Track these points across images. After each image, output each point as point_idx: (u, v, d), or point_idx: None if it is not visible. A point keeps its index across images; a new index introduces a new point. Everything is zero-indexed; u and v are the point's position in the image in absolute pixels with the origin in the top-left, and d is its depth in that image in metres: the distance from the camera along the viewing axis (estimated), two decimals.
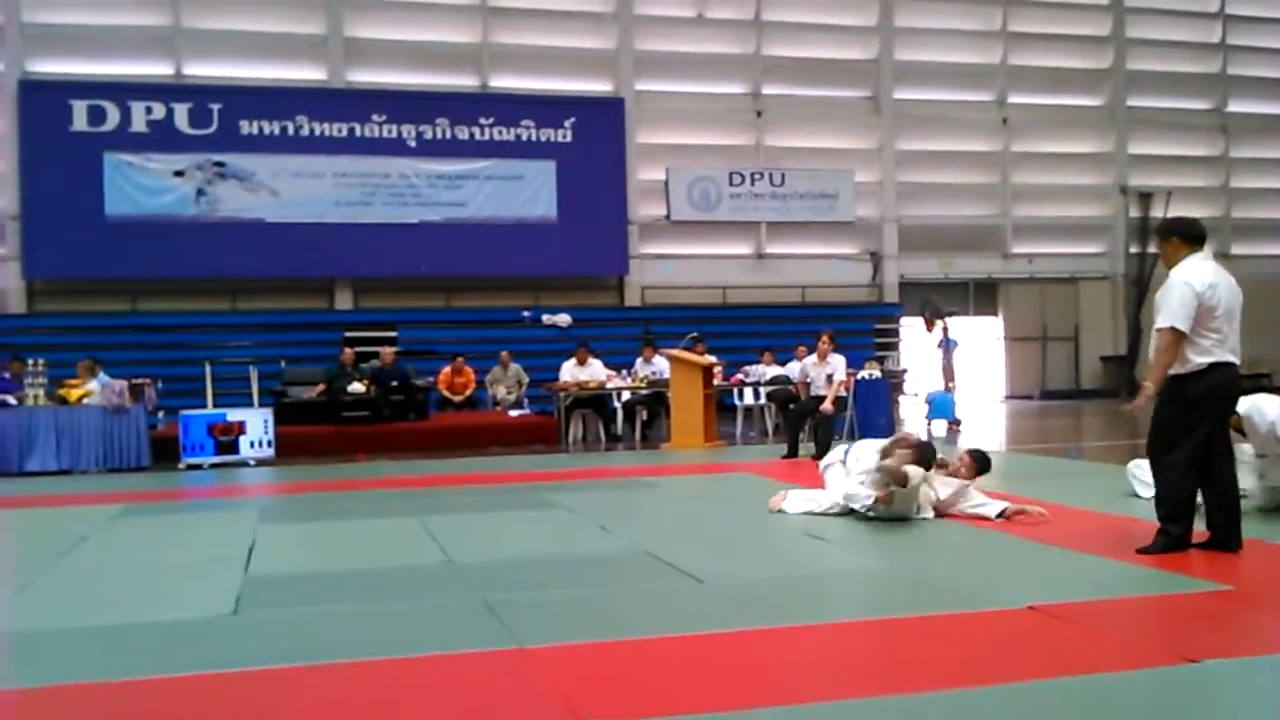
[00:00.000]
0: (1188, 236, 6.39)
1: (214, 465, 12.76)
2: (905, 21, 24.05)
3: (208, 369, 14.84)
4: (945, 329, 18.33)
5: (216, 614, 5.32)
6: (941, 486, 7.73)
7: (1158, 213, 24.69)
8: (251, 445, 13.05)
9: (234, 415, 13.16)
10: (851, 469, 7.95)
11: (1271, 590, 5.51)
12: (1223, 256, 25.74)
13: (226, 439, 12.93)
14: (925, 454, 7.82)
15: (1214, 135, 26.39)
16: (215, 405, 14.03)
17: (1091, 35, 25.42)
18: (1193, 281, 6.10)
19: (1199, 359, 6.08)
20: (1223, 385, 6.14)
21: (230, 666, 4.39)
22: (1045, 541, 6.75)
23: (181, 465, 12.71)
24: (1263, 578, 5.86)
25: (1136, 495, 8.07)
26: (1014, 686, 3.97)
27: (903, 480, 7.37)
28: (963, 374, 18.40)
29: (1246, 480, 7.36)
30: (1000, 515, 7.46)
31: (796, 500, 8.06)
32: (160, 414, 14.45)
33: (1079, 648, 4.53)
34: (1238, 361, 6.18)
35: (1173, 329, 6.07)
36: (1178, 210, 24.79)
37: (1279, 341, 22.87)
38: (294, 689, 4.15)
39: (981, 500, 7.67)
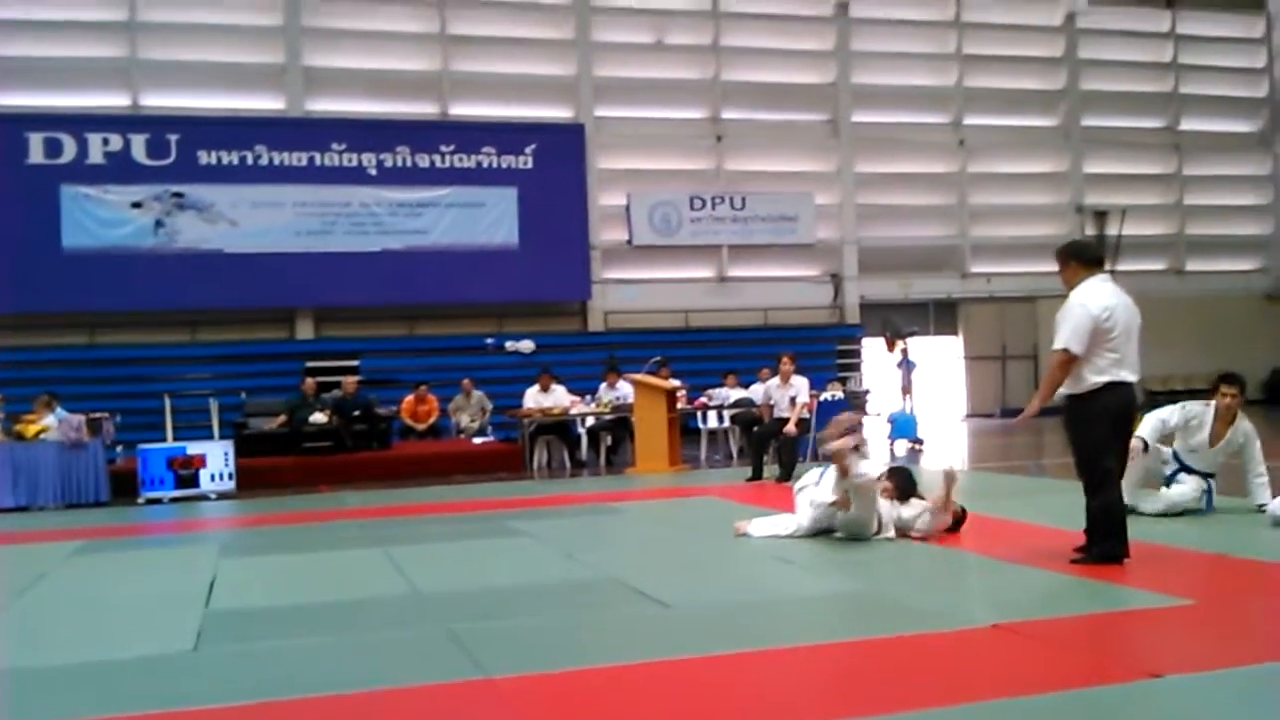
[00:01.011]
0: (1085, 260, 6.65)
1: (174, 499, 12.61)
2: (862, 46, 24.28)
3: (167, 402, 14.70)
4: (904, 349, 18.43)
5: (177, 650, 5.25)
6: (906, 509, 7.77)
7: (1113, 231, 25.03)
8: (212, 478, 12.90)
9: (194, 448, 13.01)
10: (824, 485, 7.95)
11: (1233, 604, 5.56)
12: (1177, 273, 26.18)
13: (186, 472, 12.78)
14: (902, 481, 7.89)
15: (1167, 153, 26.76)
16: (175, 438, 13.88)
17: (1045, 57, 25.74)
18: (1089, 304, 6.33)
19: (1096, 378, 6.32)
20: (1119, 403, 6.37)
21: (191, 704, 4.32)
22: (1008, 559, 6.79)
23: (141, 500, 12.55)
24: (1224, 592, 5.92)
25: None
26: (980, 705, 3.98)
27: (843, 462, 7.47)
28: (921, 394, 18.50)
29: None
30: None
31: (761, 524, 8.07)
32: (119, 448, 14.28)
33: (1044, 665, 4.56)
34: (1135, 379, 6.43)
35: (1065, 351, 6.31)
36: (1134, 228, 25.21)
37: (1234, 354, 23.15)
38: None
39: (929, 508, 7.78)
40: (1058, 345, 6.38)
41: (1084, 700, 4.03)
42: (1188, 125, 26.82)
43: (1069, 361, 6.34)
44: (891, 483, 7.87)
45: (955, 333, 25.39)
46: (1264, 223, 27.45)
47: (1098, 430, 6.37)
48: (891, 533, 7.60)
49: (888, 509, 7.69)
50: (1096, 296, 6.39)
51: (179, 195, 19.82)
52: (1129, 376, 6.39)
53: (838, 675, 4.53)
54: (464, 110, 21.92)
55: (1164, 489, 8.25)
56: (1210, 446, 8.20)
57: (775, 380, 12.85)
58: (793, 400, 12.45)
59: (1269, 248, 27.32)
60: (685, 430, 15.40)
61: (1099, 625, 5.26)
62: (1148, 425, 8.41)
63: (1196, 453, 8.28)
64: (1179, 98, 26.77)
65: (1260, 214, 27.46)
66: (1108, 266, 22.91)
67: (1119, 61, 26.23)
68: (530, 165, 21.57)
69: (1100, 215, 25.31)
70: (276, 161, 20.36)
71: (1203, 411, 8.26)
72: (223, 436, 14.00)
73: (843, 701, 4.15)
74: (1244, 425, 8.18)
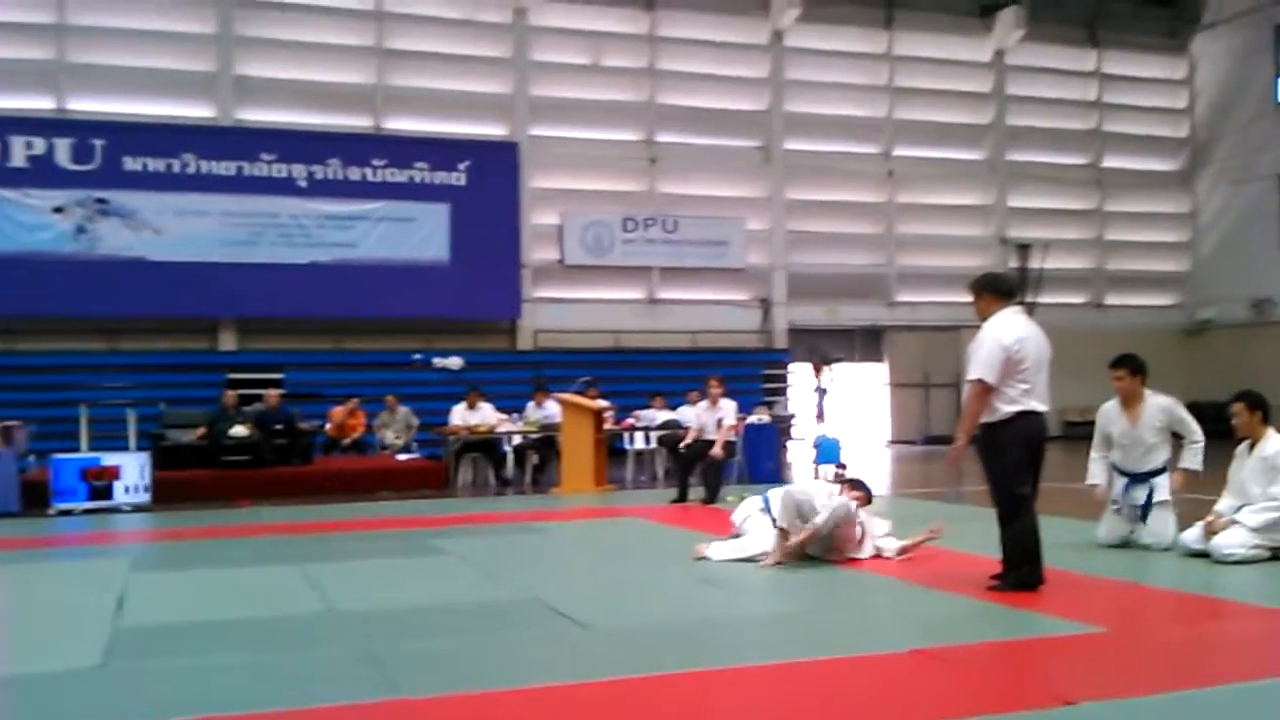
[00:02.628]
0: (999, 292, 6.85)
1: (86, 511, 12.30)
2: (795, 75, 24.55)
3: (83, 411, 14.36)
4: (822, 376, 18.69)
5: (84, 666, 5.12)
6: (877, 527, 7.97)
7: (1035, 264, 25.51)
8: (126, 490, 12.62)
9: (109, 459, 12.72)
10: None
11: (1144, 632, 5.67)
12: (1096, 307, 26.75)
13: (100, 484, 12.49)
14: (867, 488, 8.14)
15: (1089, 189, 27.37)
16: (90, 449, 13.57)
17: (973, 91, 26.22)
18: (1001, 336, 6.51)
19: (1007, 408, 6.50)
20: (1030, 431, 6.55)
21: None
22: (929, 584, 6.86)
23: (52, 511, 12.22)
24: (1135, 620, 6.03)
25: None
26: None
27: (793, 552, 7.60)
28: (835, 420, 18.70)
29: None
30: (900, 553, 7.77)
31: (721, 548, 7.96)
32: (31, 457, 13.93)
33: (960, 691, 4.61)
34: (1045, 409, 6.61)
35: (980, 381, 6.48)
36: (1055, 261, 25.71)
37: (1151, 388, 23.69)
38: None
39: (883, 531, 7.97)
40: (972, 376, 6.54)
41: None
42: (1110, 163, 27.47)
43: (985, 392, 6.49)
44: (861, 492, 8.01)
45: (880, 360, 25.68)
46: (1182, 260, 28.17)
47: (1011, 458, 6.52)
48: (870, 550, 7.78)
49: (869, 519, 7.85)
50: (1008, 328, 6.55)
51: (102, 201, 19.45)
52: (1039, 406, 6.57)
53: (755, 698, 4.53)
54: (398, 124, 21.79)
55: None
56: (1133, 428, 8.21)
57: (705, 403, 12.89)
58: (719, 423, 12.49)
59: (1186, 284, 28.03)
60: (612, 451, 15.39)
61: (1014, 651, 5.33)
62: (1090, 465, 8.53)
63: (1128, 447, 8.27)
64: (1102, 135, 27.42)
65: (1178, 251, 28.18)
66: (1029, 298, 23.27)
67: (1045, 99, 26.80)
68: (463, 182, 21.49)
69: (1023, 248, 25.79)
70: (204, 170, 20.06)
71: (1107, 405, 8.42)
72: (139, 448, 13.71)
73: None
74: (1156, 400, 8.25)
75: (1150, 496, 8.14)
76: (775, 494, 8.11)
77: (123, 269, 19.40)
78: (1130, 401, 8.28)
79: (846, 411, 21.90)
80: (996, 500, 6.64)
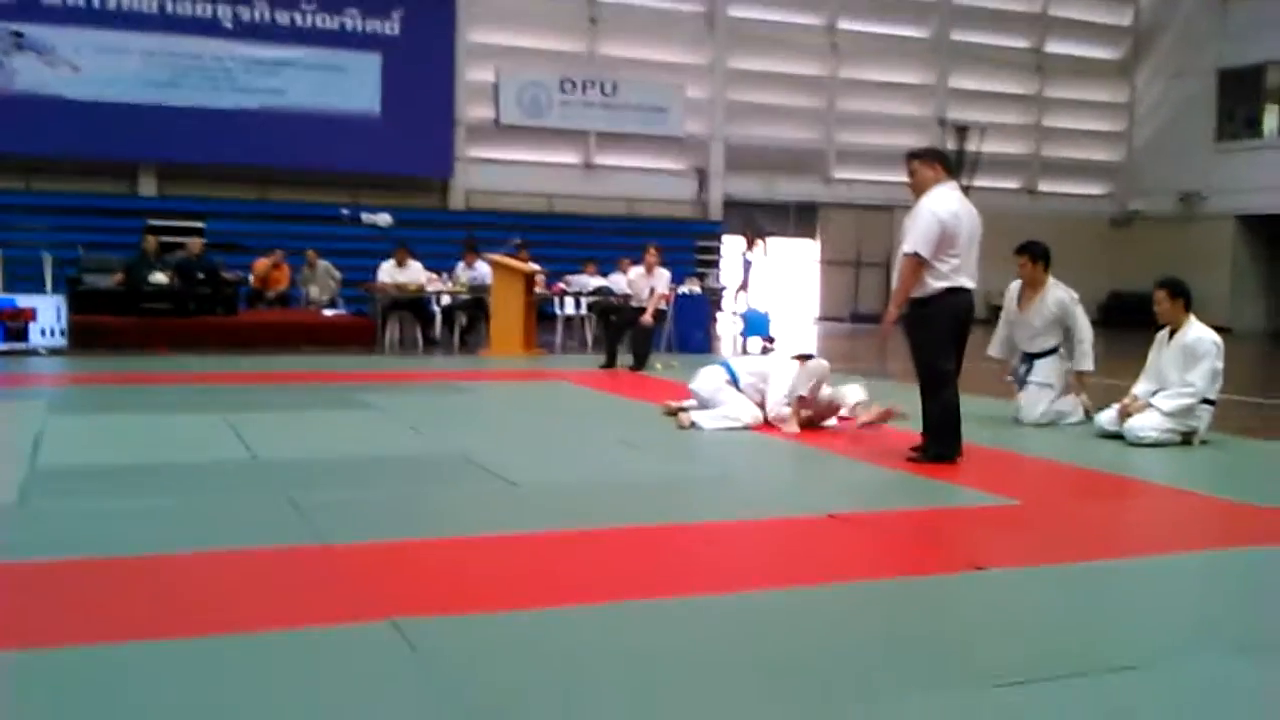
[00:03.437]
0: (948, 165, 6.89)
1: (1, 353, 12.05)
2: None
3: None
4: (747, 249, 18.76)
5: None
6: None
7: (973, 146, 25.55)
8: (42, 333, 12.39)
9: (24, 301, 12.45)
10: (769, 392, 7.93)
11: (1054, 505, 5.82)
12: (1029, 193, 26.96)
13: (15, 325, 12.23)
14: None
15: (1030, 74, 27.32)
16: (4, 290, 13.23)
17: None
18: (939, 211, 6.52)
19: (937, 284, 6.54)
20: (958, 307, 6.62)
21: (16, 556, 4.17)
22: (850, 455, 6.99)
23: None
24: (1048, 495, 6.19)
25: None
26: (807, 589, 4.08)
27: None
28: (758, 292, 18.82)
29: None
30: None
31: (711, 418, 7.85)
32: None
33: (873, 554, 4.72)
34: (973, 286, 6.68)
35: (915, 255, 6.49)
36: (992, 145, 25.78)
37: (1077, 275, 24.03)
38: (86, 581, 3.95)
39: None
40: (907, 249, 6.55)
41: (909, 587, 4.18)
42: (1052, 48, 27.39)
43: (919, 265, 6.51)
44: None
45: (814, 236, 25.74)
46: (1116, 149, 28.39)
47: (936, 333, 6.59)
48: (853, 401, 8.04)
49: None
50: (945, 203, 6.58)
51: (18, 35, 18.62)
52: (967, 283, 6.62)
53: (675, 554, 4.60)
54: None
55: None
56: (1022, 313, 8.52)
57: (640, 269, 12.86)
58: (652, 291, 12.48)
59: (1118, 174, 28.31)
60: (542, 315, 15.34)
61: (929, 519, 5.45)
62: (994, 337, 8.80)
63: (1016, 326, 8.62)
64: (1046, 19, 27.28)
65: (1113, 141, 28.38)
66: (965, 181, 23.36)
67: None
68: (396, 31, 20.86)
69: (961, 130, 25.79)
70: (125, 6, 19.23)
71: (1014, 283, 8.69)
72: (56, 291, 13.40)
73: (674, 580, 4.21)
74: (1055, 293, 8.47)
75: (1028, 373, 8.45)
76: (741, 365, 8.24)
77: (39, 106, 18.68)
78: (1031, 287, 8.50)
79: (776, 285, 22.02)
80: (920, 374, 6.73)
